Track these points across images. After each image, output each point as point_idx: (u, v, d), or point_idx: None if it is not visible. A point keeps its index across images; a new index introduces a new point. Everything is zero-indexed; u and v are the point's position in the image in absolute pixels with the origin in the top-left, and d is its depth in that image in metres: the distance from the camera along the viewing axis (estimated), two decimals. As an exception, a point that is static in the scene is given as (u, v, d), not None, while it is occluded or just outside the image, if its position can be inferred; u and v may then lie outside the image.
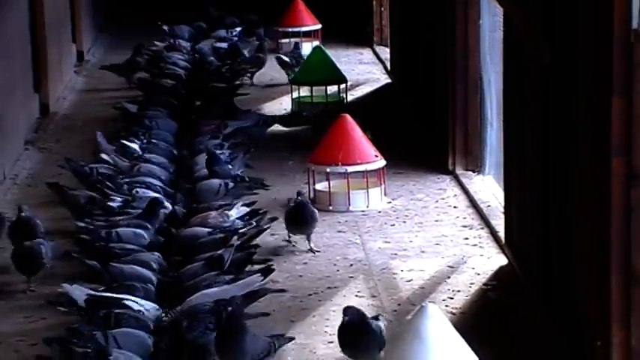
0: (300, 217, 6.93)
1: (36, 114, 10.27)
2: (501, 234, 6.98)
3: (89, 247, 6.49)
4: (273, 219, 7.05)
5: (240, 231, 6.72)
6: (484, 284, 6.46)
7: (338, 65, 10.91)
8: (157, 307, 5.76)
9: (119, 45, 13.39)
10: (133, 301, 5.69)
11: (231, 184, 7.66)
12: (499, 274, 6.58)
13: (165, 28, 13.19)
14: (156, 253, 6.37)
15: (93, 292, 5.75)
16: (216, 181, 7.67)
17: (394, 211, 7.75)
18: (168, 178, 7.93)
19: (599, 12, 4.80)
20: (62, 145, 9.58)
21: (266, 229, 6.91)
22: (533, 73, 6.04)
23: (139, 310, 5.60)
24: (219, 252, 6.25)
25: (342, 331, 5.33)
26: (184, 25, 13.43)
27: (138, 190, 7.36)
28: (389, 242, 7.18)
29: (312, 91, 10.55)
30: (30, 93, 10.11)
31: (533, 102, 6.09)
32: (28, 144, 9.47)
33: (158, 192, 7.42)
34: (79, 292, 5.73)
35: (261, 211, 7.10)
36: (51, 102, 10.63)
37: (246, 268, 6.30)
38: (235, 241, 6.45)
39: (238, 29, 13.12)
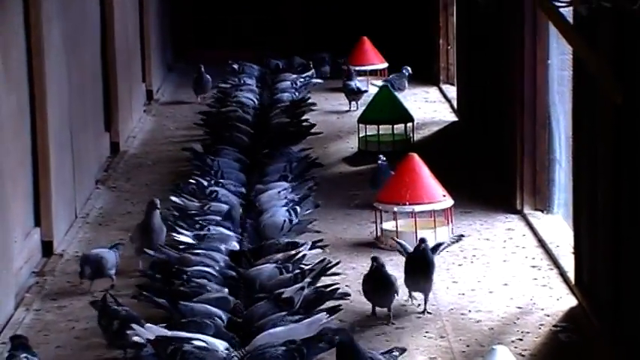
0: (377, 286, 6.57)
1: (106, 153, 10.42)
2: (571, 274, 6.90)
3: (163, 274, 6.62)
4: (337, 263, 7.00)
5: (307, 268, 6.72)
6: (554, 325, 6.39)
7: (404, 104, 10.93)
8: (227, 345, 5.77)
9: (188, 83, 13.55)
10: (202, 340, 5.70)
11: (295, 220, 7.70)
12: (569, 316, 6.51)
13: (236, 66, 13.30)
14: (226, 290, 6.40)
15: (163, 332, 5.77)
16: (280, 218, 7.72)
17: (462, 251, 7.71)
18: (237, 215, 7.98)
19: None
20: (132, 183, 9.69)
21: (332, 267, 6.87)
22: (604, 112, 5.99)
23: (208, 349, 5.60)
24: (289, 292, 6.26)
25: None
26: (254, 64, 13.53)
27: (210, 227, 7.43)
28: (457, 282, 7.14)
29: (378, 130, 10.57)
30: (101, 132, 10.26)
31: (604, 141, 6.04)
32: (99, 183, 9.60)
33: (228, 228, 7.49)
34: (149, 333, 5.75)
35: (328, 261, 6.99)
36: (121, 141, 10.77)
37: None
38: (306, 282, 6.45)
39: (309, 73, 13.09)
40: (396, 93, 11.18)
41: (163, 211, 7.60)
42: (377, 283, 6.55)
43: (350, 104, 12.17)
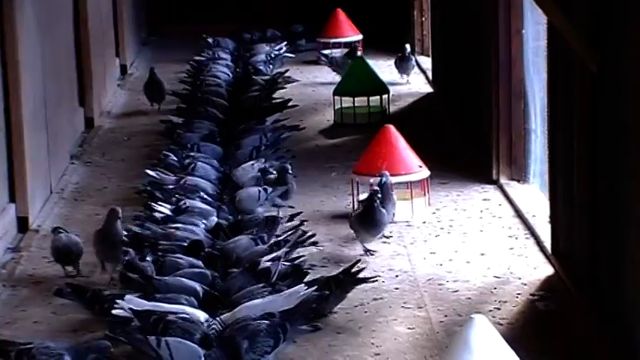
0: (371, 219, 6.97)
1: (81, 128, 10.36)
2: (547, 244, 6.94)
3: (139, 244, 6.59)
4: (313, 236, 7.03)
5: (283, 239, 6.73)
6: (531, 294, 6.42)
7: (380, 75, 10.92)
8: (207, 316, 5.77)
9: (162, 58, 13.48)
10: (183, 311, 5.70)
11: (270, 190, 7.71)
12: (546, 284, 6.54)
13: (210, 40, 13.24)
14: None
15: (143, 303, 5.76)
16: (254, 189, 7.73)
17: (439, 222, 7.73)
18: (214, 190, 7.97)
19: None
20: (107, 158, 9.65)
21: (308, 239, 6.88)
22: (580, 81, 6.00)
23: (190, 319, 5.60)
24: (267, 264, 6.26)
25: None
26: (228, 38, 13.47)
27: (185, 202, 7.40)
28: (434, 253, 7.16)
29: (354, 102, 10.56)
30: (75, 107, 10.20)
31: (580, 110, 6.05)
32: (74, 158, 9.55)
33: (206, 203, 7.47)
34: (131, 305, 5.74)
35: (304, 230, 7.02)
36: (96, 116, 10.72)
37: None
38: (282, 252, 6.45)
39: (282, 45, 13.07)
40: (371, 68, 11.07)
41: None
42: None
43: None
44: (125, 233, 6.78)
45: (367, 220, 7.03)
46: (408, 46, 12.04)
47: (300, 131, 9.54)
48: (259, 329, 5.46)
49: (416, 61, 12.53)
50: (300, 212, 7.50)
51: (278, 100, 10.62)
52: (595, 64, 5.69)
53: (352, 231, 7.17)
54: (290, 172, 7.98)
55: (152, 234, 6.88)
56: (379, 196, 7.17)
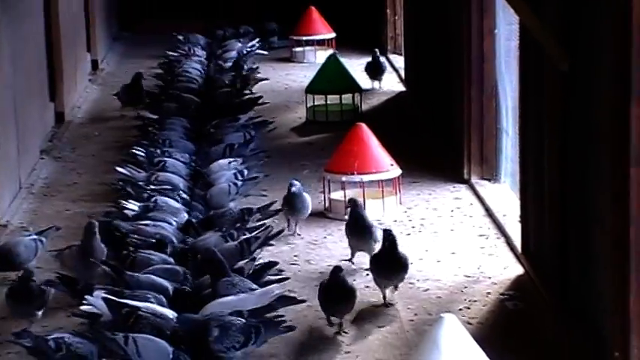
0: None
1: (51, 123, 10.30)
2: (517, 243, 6.95)
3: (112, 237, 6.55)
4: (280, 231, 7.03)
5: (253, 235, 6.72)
6: (501, 294, 6.43)
7: (352, 74, 10.91)
8: (175, 314, 5.74)
9: (133, 53, 13.41)
10: (152, 309, 5.67)
11: (240, 183, 7.69)
12: (516, 284, 6.56)
13: (181, 37, 13.20)
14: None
15: (113, 299, 5.73)
16: (225, 184, 7.70)
17: (410, 220, 7.73)
18: (185, 186, 7.93)
19: (616, 17, 4.78)
20: (77, 153, 9.59)
21: (276, 235, 6.87)
22: (551, 81, 6.02)
23: (162, 315, 5.57)
24: (240, 263, 6.24)
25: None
26: (199, 34, 13.44)
27: (157, 198, 7.37)
28: (405, 251, 7.15)
29: (326, 100, 10.56)
30: (46, 102, 10.13)
31: (550, 110, 6.07)
32: (44, 153, 9.48)
33: (176, 200, 7.44)
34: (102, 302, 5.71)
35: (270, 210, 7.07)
36: (66, 111, 10.65)
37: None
38: (256, 253, 6.43)
39: (254, 42, 13.04)
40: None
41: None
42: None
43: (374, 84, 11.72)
44: (106, 252, 6.41)
45: (391, 263, 6.26)
46: (377, 50, 11.91)
47: (271, 130, 9.51)
48: (232, 323, 5.44)
49: (389, 61, 12.54)
50: (275, 201, 7.48)
51: (249, 97, 10.59)
52: (566, 64, 5.71)
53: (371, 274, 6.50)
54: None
55: (123, 229, 6.84)
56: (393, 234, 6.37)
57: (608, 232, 5.02)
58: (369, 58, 11.85)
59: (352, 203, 6.98)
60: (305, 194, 7.46)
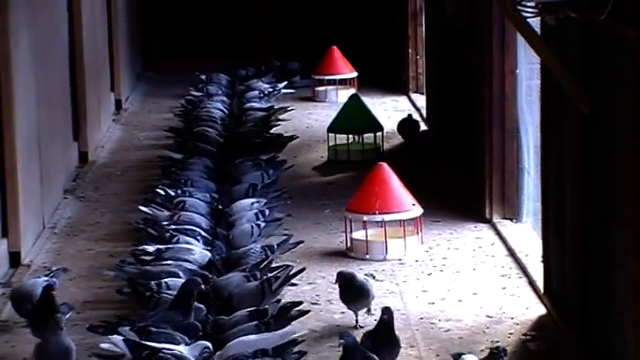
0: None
1: (75, 162, 10.36)
2: (540, 283, 6.93)
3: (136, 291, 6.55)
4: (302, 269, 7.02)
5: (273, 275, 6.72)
6: (523, 334, 6.40)
7: (374, 113, 10.95)
8: (197, 355, 5.74)
9: (156, 93, 13.50)
10: (174, 350, 5.67)
11: (262, 224, 7.70)
12: (538, 324, 6.53)
13: (203, 76, 13.28)
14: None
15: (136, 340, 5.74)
16: (247, 225, 7.72)
17: (431, 260, 7.72)
18: (208, 225, 7.95)
19: (637, 59, 4.79)
20: (100, 193, 9.65)
21: (296, 274, 6.86)
22: (572, 122, 6.02)
23: (182, 357, 5.57)
24: (265, 306, 6.25)
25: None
26: (221, 73, 13.51)
27: (179, 238, 7.39)
28: (426, 291, 7.14)
29: (348, 139, 10.58)
30: (69, 141, 10.20)
31: (572, 150, 6.07)
32: (67, 193, 9.54)
33: (197, 239, 7.45)
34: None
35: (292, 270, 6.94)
36: (90, 150, 10.72)
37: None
38: (281, 296, 6.43)
39: (281, 85, 13.08)
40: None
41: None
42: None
43: None
44: (74, 348, 5.69)
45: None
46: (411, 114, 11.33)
47: (289, 168, 9.51)
48: None
49: (410, 100, 12.55)
50: (292, 235, 7.46)
51: (277, 136, 10.63)
52: (587, 106, 5.72)
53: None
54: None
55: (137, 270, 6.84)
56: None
57: (630, 273, 5.00)
58: (393, 97, 11.81)
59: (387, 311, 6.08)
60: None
